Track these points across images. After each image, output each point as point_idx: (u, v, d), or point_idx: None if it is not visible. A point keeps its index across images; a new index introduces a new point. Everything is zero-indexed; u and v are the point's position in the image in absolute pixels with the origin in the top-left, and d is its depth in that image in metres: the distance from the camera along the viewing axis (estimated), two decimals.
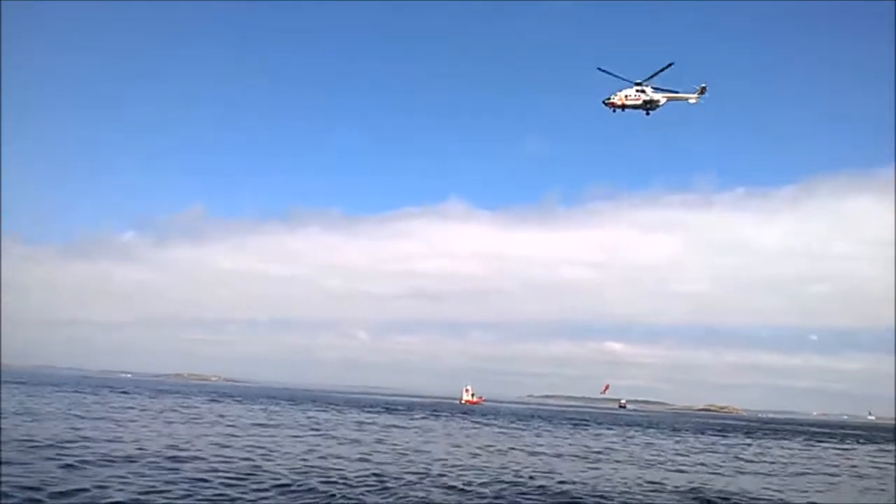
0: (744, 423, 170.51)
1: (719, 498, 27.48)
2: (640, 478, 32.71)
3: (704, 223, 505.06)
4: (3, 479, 20.89)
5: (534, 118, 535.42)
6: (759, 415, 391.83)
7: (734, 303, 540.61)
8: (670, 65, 48.40)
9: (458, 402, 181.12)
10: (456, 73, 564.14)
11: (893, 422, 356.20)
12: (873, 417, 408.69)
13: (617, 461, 40.86)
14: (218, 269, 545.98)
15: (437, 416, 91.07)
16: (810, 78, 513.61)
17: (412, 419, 77.74)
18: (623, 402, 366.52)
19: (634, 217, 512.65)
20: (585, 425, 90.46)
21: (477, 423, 78.67)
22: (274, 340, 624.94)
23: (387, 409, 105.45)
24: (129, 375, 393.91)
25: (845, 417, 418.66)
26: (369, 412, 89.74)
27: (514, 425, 78.04)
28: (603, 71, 49.56)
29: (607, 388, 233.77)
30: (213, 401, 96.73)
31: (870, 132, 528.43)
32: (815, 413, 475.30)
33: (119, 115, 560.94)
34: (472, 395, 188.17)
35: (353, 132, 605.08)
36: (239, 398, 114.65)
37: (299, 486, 24.17)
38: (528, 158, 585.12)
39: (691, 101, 50.92)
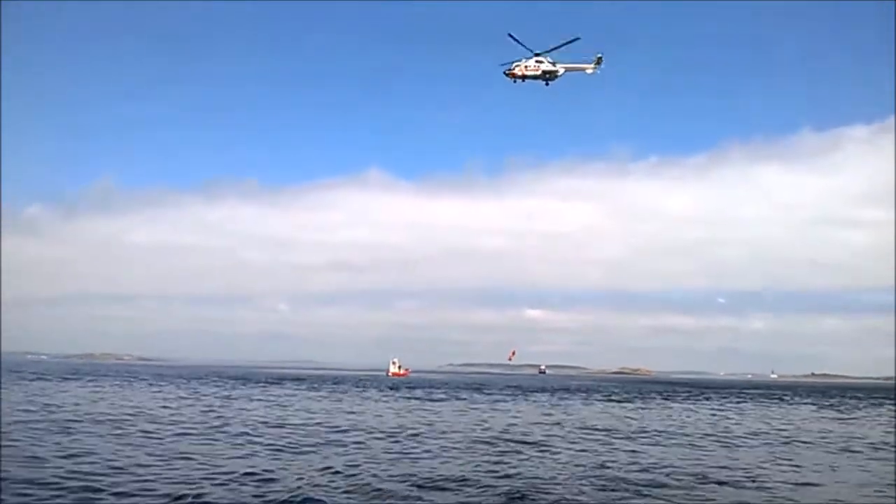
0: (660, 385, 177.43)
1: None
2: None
3: (619, 191, 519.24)
4: None
5: (455, 87, 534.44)
6: (672, 376, 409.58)
7: (647, 268, 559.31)
8: (576, 38, 49.58)
9: (385, 374, 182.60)
10: (375, 39, 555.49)
11: (794, 380, 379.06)
12: (775, 376, 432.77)
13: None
14: (130, 242, 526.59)
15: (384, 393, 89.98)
16: (723, 45, 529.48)
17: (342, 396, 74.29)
18: (543, 367, 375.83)
19: (553, 186, 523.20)
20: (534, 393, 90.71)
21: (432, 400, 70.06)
22: (190, 316, 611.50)
23: (312, 385, 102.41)
24: (44, 357, 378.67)
25: (750, 377, 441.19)
26: (291, 388, 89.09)
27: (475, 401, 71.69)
28: (513, 38, 50.27)
29: (514, 354, 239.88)
30: (125, 383, 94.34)
31: (780, 98, 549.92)
32: (722, 373, 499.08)
33: (23, 84, 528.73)
34: (399, 367, 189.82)
35: (270, 101, 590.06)
36: (147, 378, 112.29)
37: None
38: (451, 128, 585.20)
39: (588, 71, 52.19)
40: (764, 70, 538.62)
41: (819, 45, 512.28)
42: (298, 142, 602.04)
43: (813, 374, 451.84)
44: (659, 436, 38.33)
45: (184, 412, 45.59)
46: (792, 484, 23.63)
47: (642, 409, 65.02)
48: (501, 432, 37.66)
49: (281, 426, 37.87)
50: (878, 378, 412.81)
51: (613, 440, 35.46)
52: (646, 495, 21.03)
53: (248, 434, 33.55)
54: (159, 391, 72.07)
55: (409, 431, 36.88)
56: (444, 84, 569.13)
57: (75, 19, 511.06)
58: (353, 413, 49.66)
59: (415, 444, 31.34)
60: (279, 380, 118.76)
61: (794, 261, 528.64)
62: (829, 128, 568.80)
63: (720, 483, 23.25)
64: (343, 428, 37.83)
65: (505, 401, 71.94)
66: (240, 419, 41.46)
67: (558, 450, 30.80)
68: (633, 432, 40.02)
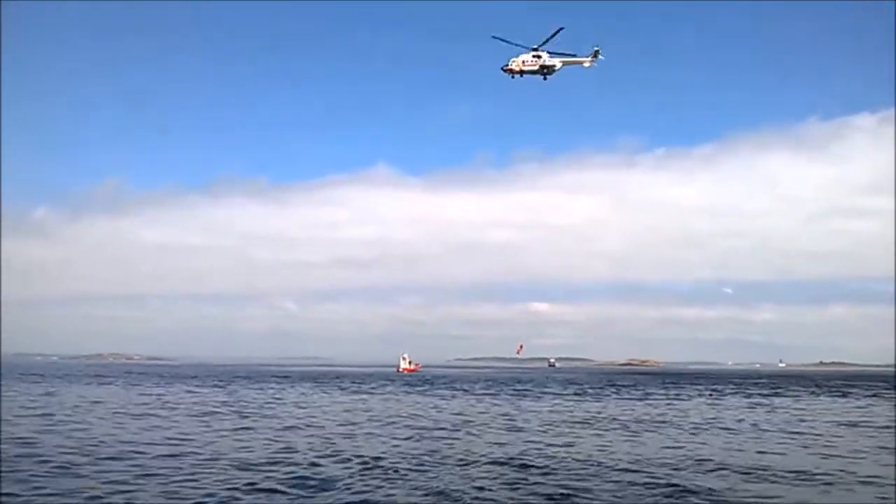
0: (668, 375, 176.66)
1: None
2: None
3: (627, 183, 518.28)
4: None
5: (463, 82, 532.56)
6: (683, 367, 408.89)
7: (654, 259, 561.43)
8: (561, 29, 49.56)
9: (395, 370, 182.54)
10: (380, 36, 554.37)
11: (802, 369, 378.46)
12: (784, 365, 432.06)
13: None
14: (137, 242, 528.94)
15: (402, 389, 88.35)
16: (728, 36, 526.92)
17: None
18: (552, 360, 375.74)
19: (560, 179, 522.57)
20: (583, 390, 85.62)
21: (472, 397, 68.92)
22: (197, 314, 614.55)
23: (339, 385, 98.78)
24: (55, 358, 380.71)
25: (758, 366, 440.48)
26: (327, 387, 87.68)
27: (492, 397, 70.47)
28: (498, 39, 50.35)
29: (521, 347, 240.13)
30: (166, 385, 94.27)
31: (787, 86, 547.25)
32: (730, 363, 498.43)
33: (27, 84, 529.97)
34: (410, 362, 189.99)
35: (278, 100, 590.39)
36: (166, 379, 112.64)
37: None
38: (458, 123, 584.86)
39: (585, 64, 52.15)
40: (769, 60, 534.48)
41: (824, 35, 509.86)
42: (307, 139, 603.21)
43: (822, 363, 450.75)
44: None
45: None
46: None
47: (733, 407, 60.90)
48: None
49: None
50: (885, 366, 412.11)
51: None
52: None
53: None
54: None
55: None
56: (450, 79, 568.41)
57: (78, 18, 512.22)
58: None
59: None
60: (315, 378, 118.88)
61: (800, 251, 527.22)
62: (835, 117, 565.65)
63: None
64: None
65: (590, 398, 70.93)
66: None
67: None
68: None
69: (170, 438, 31.67)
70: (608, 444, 32.18)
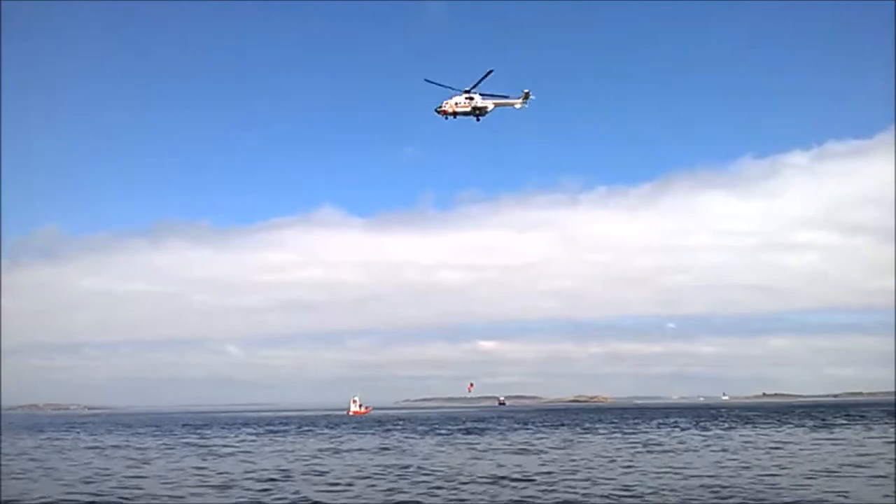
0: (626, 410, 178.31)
1: None
2: None
3: (571, 221, 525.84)
4: None
5: (407, 126, 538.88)
6: (634, 401, 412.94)
7: (599, 296, 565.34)
8: (490, 72, 51.00)
9: (346, 413, 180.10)
10: (329, 82, 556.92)
11: (746, 401, 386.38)
12: (727, 398, 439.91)
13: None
14: (75, 289, 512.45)
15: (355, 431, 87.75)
16: (664, 82, 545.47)
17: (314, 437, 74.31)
18: (502, 398, 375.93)
19: (507, 217, 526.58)
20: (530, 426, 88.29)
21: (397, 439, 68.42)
22: (138, 362, 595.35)
23: (269, 428, 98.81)
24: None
25: (702, 399, 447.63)
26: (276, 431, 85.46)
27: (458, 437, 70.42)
28: (430, 82, 51.62)
29: (471, 387, 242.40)
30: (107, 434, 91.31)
31: (722, 127, 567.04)
32: (675, 397, 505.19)
33: None
34: (360, 405, 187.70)
35: (219, 143, 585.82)
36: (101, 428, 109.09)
37: None
38: (403, 165, 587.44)
39: (517, 105, 53.61)
40: (704, 98, 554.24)
41: (759, 74, 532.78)
42: (250, 182, 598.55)
43: (764, 395, 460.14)
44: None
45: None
46: None
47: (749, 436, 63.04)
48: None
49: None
50: (825, 395, 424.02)
51: None
52: None
53: None
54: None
55: None
56: (394, 121, 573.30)
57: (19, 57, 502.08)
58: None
59: None
60: (249, 423, 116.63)
61: (739, 285, 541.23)
62: (769, 155, 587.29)
63: None
64: None
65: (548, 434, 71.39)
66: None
67: None
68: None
69: None
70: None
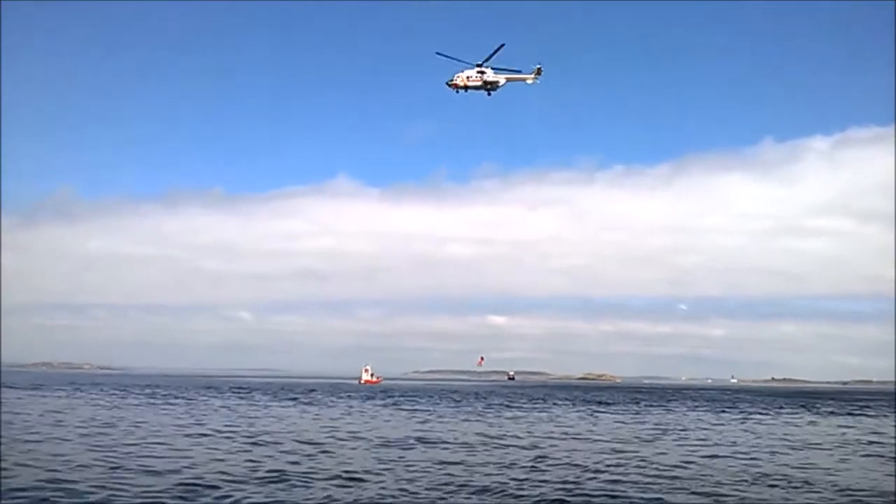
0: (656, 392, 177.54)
1: None
2: None
3: (586, 199, 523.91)
4: None
5: (423, 98, 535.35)
6: (642, 381, 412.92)
7: (611, 275, 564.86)
8: (502, 46, 50.70)
9: (357, 382, 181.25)
10: (342, 48, 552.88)
11: (754, 385, 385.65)
12: (735, 381, 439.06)
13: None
14: (87, 252, 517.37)
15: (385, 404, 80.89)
16: (686, 64, 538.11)
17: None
18: (511, 373, 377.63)
19: (520, 194, 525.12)
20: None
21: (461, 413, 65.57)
22: (147, 326, 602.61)
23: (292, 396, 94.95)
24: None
25: (710, 381, 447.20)
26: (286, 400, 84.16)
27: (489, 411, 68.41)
28: (442, 55, 51.21)
29: (482, 360, 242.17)
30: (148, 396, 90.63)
31: (742, 110, 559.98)
32: (683, 378, 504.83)
33: None
34: (372, 374, 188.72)
35: (237, 111, 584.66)
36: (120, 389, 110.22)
37: None
38: (419, 138, 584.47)
39: (529, 81, 53.26)
40: (726, 81, 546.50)
41: (780, 58, 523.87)
42: (265, 151, 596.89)
43: (773, 380, 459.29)
44: None
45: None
46: None
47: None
48: None
49: None
50: (834, 382, 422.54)
51: None
52: None
53: None
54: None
55: None
56: (412, 93, 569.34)
57: (32, 24, 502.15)
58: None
59: None
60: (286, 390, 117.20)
61: (753, 268, 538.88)
62: (789, 139, 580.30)
63: None
64: None
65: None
66: None
67: None
68: None
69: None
70: None
